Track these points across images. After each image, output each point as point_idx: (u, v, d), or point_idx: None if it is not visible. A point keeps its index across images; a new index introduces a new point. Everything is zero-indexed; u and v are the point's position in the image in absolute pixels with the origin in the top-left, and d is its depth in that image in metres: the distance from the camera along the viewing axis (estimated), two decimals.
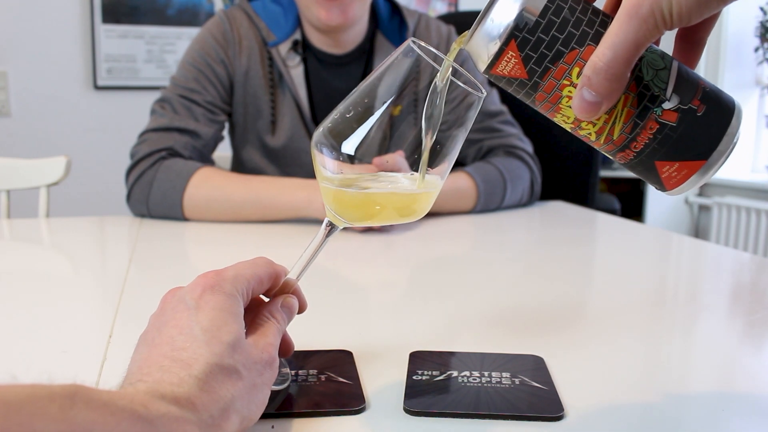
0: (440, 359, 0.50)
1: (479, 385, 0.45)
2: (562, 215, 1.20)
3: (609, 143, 0.39)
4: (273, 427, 0.41)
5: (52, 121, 2.59)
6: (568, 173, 1.47)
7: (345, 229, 1.04)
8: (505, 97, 1.32)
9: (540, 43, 0.37)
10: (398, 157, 1.21)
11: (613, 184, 3.21)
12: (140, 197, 1.08)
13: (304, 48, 1.20)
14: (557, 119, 0.40)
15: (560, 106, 0.39)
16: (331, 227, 0.47)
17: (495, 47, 0.38)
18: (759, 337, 0.60)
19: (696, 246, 1.02)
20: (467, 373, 0.47)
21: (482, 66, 0.40)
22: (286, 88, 1.19)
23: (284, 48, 1.18)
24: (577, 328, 0.60)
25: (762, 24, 2.88)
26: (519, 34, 0.37)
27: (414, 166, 0.45)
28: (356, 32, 1.20)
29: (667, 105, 0.37)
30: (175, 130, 1.11)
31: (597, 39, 0.37)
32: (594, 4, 0.39)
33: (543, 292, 0.72)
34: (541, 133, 1.39)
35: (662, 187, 0.40)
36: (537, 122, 1.41)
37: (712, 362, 0.53)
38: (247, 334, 0.41)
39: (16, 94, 2.54)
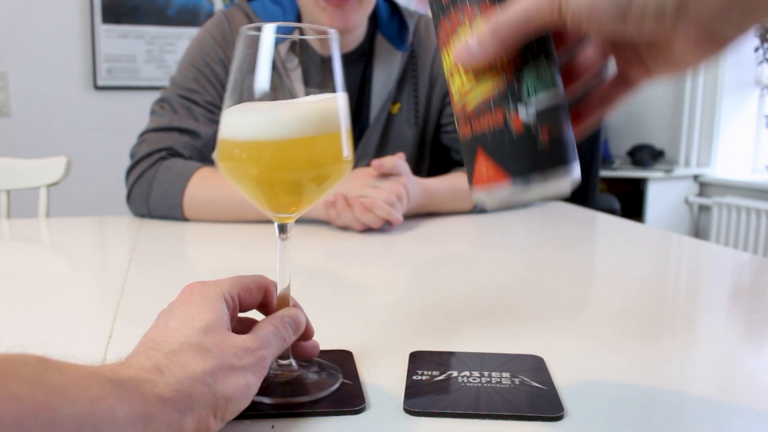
0: (440, 359, 0.50)
1: (479, 385, 0.45)
2: (562, 215, 1.20)
3: (463, 109, 0.40)
4: (273, 427, 0.41)
5: (52, 121, 2.59)
6: None
7: (345, 229, 1.04)
8: None
9: None
10: (397, 160, 1.20)
11: (613, 184, 3.21)
12: (140, 197, 1.08)
13: (303, 48, 1.20)
14: (443, 54, 0.41)
15: (450, 42, 0.39)
16: (281, 228, 0.47)
17: None
18: (759, 337, 0.60)
19: (696, 246, 1.02)
20: (467, 373, 0.47)
21: None
22: (288, 88, 1.18)
23: (283, 48, 1.18)
24: (577, 328, 0.60)
25: (762, 24, 2.88)
26: None
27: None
28: (356, 33, 1.20)
29: (522, 111, 0.38)
30: (175, 130, 1.11)
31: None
32: None
33: (543, 292, 0.72)
34: None
35: (470, 179, 0.41)
36: None
37: (712, 362, 0.53)
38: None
39: (16, 94, 2.55)
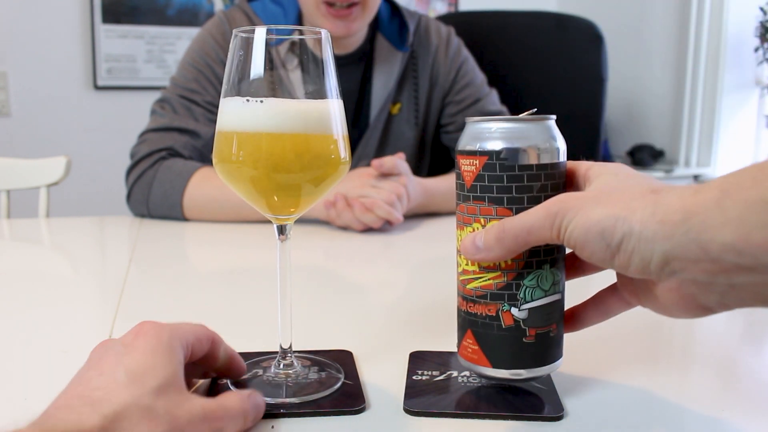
0: (440, 359, 0.50)
1: (479, 385, 0.45)
2: None
3: (463, 286, 0.43)
4: (273, 427, 0.41)
5: (52, 121, 2.59)
6: None
7: (345, 229, 1.04)
8: (504, 100, 1.31)
9: (497, 179, 0.40)
10: (397, 160, 1.20)
11: None
12: (140, 197, 1.08)
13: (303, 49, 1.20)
14: (456, 233, 0.43)
15: (463, 229, 0.42)
16: (280, 229, 0.47)
17: (476, 146, 0.41)
18: (759, 337, 0.60)
19: None
20: (467, 373, 0.47)
21: (462, 142, 0.42)
22: (285, 90, 1.19)
23: (283, 49, 1.18)
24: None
25: (762, 24, 2.88)
26: (493, 160, 0.40)
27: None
28: (357, 35, 1.20)
29: (515, 310, 0.41)
30: (175, 130, 1.11)
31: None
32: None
33: None
34: None
35: (458, 345, 0.44)
36: None
37: (712, 362, 0.53)
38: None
39: (16, 94, 2.55)
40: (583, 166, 0.42)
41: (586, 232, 0.35)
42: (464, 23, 1.45)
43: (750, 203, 0.30)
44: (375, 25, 1.23)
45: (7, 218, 1.27)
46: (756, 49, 2.93)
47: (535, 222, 0.37)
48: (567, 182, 0.42)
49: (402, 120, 1.25)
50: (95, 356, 0.37)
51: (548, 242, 0.38)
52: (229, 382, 0.45)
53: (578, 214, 0.36)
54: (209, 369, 0.44)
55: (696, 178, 3.16)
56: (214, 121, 1.15)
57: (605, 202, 0.36)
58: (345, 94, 0.48)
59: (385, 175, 1.02)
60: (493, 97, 1.28)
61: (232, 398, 0.38)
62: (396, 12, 1.26)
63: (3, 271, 0.82)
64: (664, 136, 3.26)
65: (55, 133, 2.60)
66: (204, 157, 1.15)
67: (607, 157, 3.13)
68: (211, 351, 0.42)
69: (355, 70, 1.23)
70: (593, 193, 0.37)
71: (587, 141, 1.48)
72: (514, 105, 1.33)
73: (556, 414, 0.42)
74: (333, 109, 0.46)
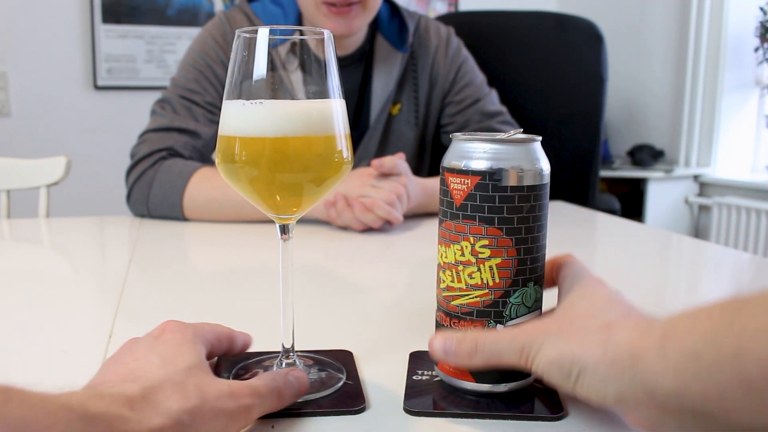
0: None
1: None
2: (562, 215, 1.20)
3: (447, 302, 0.43)
4: (273, 426, 0.41)
5: (52, 121, 2.60)
6: (568, 173, 1.48)
7: (345, 229, 1.04)
8: (504, 100, 1.32)
9: (489, 199, 0.41)
10: (397, 160, 1.20)
11: (613, 184, 3.21)
12: (140, 197, 1.08)
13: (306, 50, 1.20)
14: (439, 247, 0.44)
15: (449, 246, 0.42)
16: (282, 229, 0.47)
17: (468, 165, 0.41)
18: None
19: (696, 246, 1.02)
20: None
21: (450, 159, 0.43)
22: (289, 90, 1.18)
23: (283, 50, 1.18)
24: None
25: (762, 24, 2.88)
26: (486, 181, 0.41)
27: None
28: (357, 36, 1.20)
29: (500, 327, 0.42)
30: (175, 130, 1.11)
31: (516, 236, 0.41)
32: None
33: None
34: (542, 133, 1.38)
35: (436, 362, 0.45)
36: (537, 123, 1.41)
37: None
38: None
39: (16, 94, 2.55)
40: (564, 270, 0.46)
41: (548, 365, 0.38)
42: (464, 23, 1.45)
43: (685, 353, 0.32)
44: (375, 26, 1.23)
45: (7, 218, 1.28)
46: (756, 49, 2.93)
47: (505, 350, 0.40)
48: (546, 273, 0.44)
49: (402, 120, 1.25)
50: (126, 348, 0.40)
51: (515, 365, 0.40)
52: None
53: (541, 349, 0.39)
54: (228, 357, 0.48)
55: (696, 178, 3.16)
56: (215, 122, 1.16)
57: (566, 335, 0.38)
58: (345, 95, 0.48)
59: (385, 175, 1.02)
60: (493, 97, 1.28)
61: (264, 378, 0.41)
62: (396, 12, 1.26)
63: (3, 271, 0.82)
64: (664, 136, 3.26)
65: (55, 133, 2.60)
66: (204, 157, 1.15)
67: (607, 157, 3.12)
68: (231, 348, 0.46)
69: (355, 71, 1.23)
70: (556, 325, 0.40)
71: (587, 141, 1.48)
72: (515, 105, 1.33)
73: (556, 414, 0.42)
74: (336, 109, 0.46)
